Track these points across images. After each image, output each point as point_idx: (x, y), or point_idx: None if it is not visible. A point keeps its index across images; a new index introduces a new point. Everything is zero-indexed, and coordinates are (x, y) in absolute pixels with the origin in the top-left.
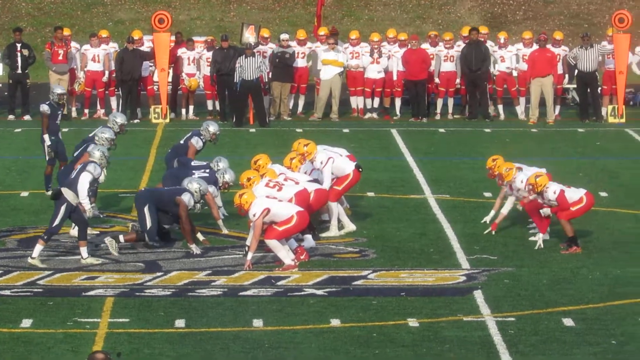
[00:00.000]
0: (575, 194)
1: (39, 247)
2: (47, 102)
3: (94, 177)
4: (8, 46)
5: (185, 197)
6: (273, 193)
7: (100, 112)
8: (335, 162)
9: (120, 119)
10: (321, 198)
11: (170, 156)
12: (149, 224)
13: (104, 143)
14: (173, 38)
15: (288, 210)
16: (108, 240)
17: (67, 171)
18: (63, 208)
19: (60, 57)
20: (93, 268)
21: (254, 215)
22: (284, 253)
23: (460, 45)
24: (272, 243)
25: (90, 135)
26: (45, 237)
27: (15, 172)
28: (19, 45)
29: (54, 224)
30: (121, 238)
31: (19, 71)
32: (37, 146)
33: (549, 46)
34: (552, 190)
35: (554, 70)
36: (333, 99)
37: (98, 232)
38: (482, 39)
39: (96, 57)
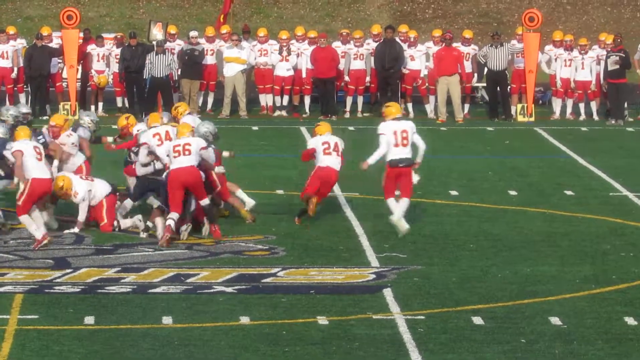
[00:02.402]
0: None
1: None
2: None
3: None
4: None
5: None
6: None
7: None
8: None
9: (91, 117)
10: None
11: None
12: None
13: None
14: (82, 35)
15: (34, 172)
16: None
17: None
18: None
19: None
20: (1, 265)
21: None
22: (34, 227)
23: (370, 43)
24: (21, 219)
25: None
26: None
27: None
28: None
29: None
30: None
31: None
32: None
33: (457, 45)
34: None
35: (460, 69)
36: (238, 96)
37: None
38: (402, 38)
39: (4, 53)
